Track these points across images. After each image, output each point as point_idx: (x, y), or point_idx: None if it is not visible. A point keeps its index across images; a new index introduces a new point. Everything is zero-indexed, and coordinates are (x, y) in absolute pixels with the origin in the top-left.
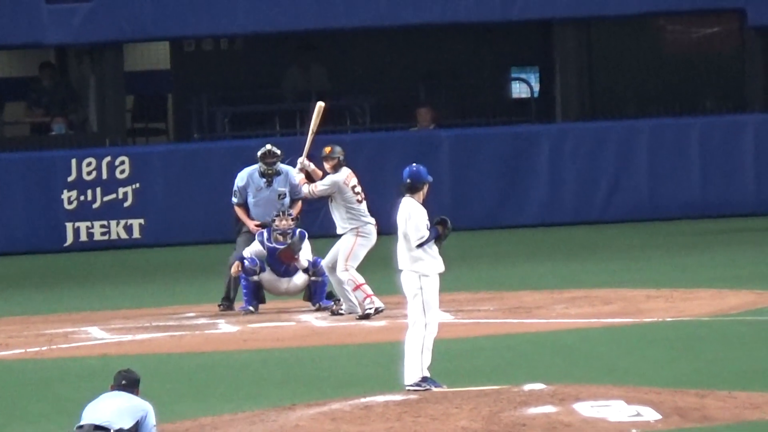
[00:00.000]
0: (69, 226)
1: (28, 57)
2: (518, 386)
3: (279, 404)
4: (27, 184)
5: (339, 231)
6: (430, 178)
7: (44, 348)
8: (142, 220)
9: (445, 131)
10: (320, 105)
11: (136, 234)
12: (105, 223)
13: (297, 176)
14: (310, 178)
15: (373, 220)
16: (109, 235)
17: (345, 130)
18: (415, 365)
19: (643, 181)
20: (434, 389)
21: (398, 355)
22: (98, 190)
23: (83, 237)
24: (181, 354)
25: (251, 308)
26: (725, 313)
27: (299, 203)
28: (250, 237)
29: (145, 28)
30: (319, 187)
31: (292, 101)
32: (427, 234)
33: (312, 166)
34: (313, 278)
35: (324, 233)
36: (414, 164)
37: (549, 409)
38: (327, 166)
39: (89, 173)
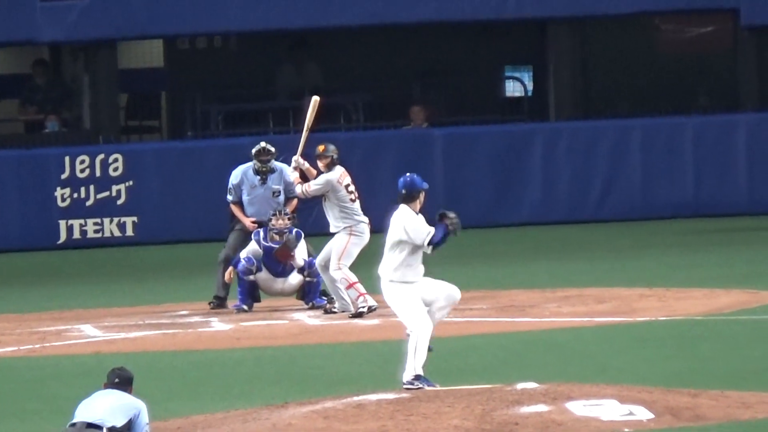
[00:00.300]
0: (62, 223)
1: (22, 54)
2: (511, 385)
3: (272, 402)
4: (20, 182)
5: (332, 229)
6: (425, 185)
7: (37, 346)
8: (135, 218)
9: (439, 130)
10: (315, 99)
11: (129, 232)
12: (98, 220)
13: (292, 174)
14: (304, 177)
15: (366, 219)
16: (103, 233)
17: (338, 128)
18: (409, 364)
19: (637, 180)
20: (427, 388)
21: (391, 354)
22: (92, 187)
23: (76, 234)
24: (174, 352)
25: (245, 307)
26: (718, 313)
27: (294, 201)
28: (242, 234)
29: (139, 25)
30: (313, 186)
31: (285, 99)
32: (432, 230)
33: (306, 164)
34: (307, 278)
35: (318, 231)
36: (408, 174)
37: (541, 408)
38: (320, 164)
39: (83, 171)
